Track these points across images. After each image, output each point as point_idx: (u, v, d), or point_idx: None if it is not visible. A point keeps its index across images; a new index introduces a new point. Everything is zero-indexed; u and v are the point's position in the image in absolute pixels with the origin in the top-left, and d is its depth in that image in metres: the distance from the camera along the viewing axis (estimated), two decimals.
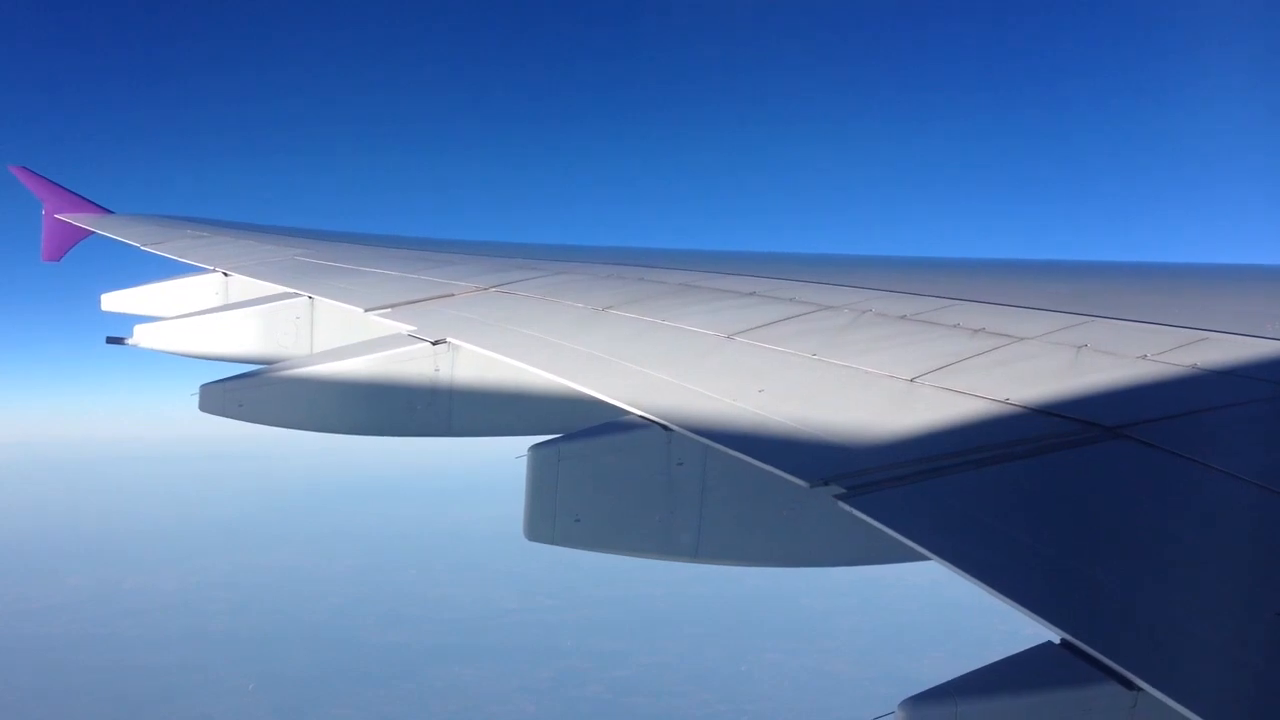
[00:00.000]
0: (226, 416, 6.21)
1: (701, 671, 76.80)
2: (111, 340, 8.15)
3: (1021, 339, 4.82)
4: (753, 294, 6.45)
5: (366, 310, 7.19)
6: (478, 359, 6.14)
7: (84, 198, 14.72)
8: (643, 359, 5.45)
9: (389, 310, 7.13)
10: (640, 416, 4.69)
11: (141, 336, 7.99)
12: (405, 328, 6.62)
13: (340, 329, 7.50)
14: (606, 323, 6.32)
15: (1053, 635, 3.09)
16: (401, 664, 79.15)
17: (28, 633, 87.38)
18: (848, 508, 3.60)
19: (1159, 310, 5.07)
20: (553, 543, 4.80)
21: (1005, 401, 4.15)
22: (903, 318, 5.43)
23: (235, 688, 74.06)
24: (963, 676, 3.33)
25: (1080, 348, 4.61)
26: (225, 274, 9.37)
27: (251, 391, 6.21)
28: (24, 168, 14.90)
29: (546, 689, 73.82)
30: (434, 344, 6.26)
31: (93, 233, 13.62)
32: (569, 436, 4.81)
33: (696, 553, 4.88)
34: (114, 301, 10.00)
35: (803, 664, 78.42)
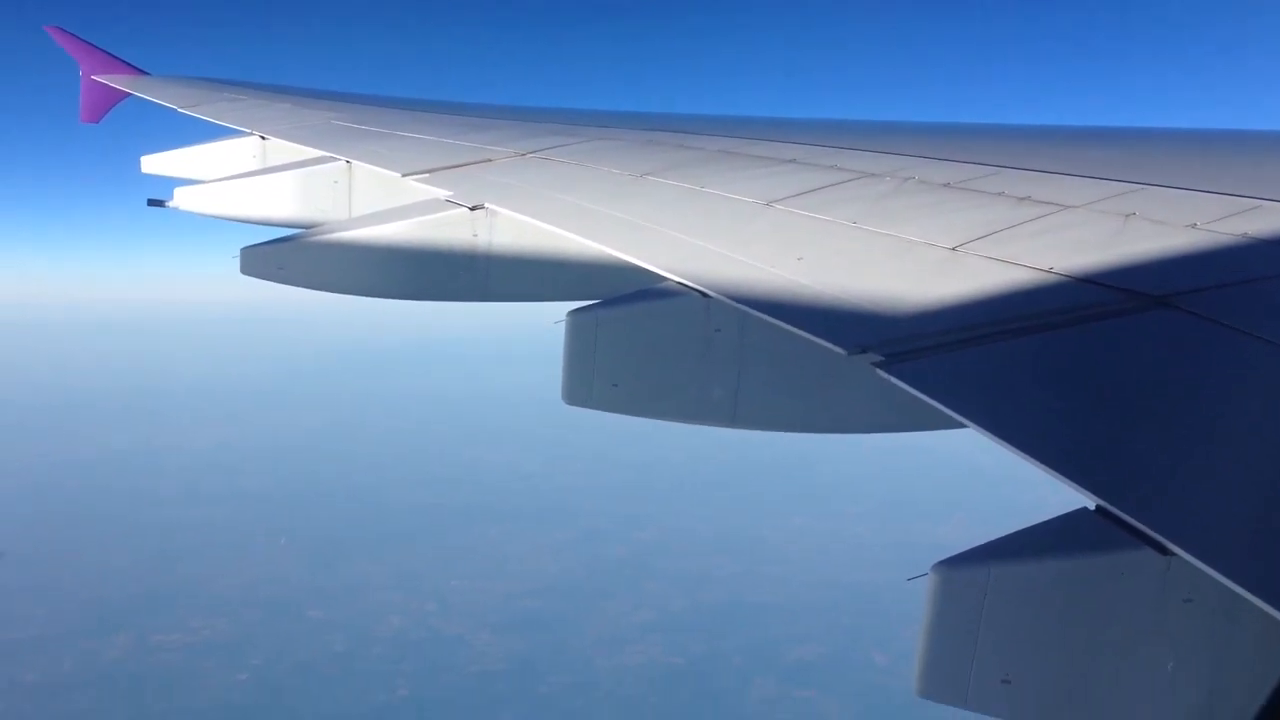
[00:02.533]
0: (268, 279, 6.25)
1: (723, 535, 78.08)
2: (153, 203, 8.18)
3: (1067, 207, 4.73)
4: (793, 161, 6.35)
5: (404, 175, 7.15)
6: (515, 224, 6.12)
7: (120, 59, 14.63)
8: (681, 226, 5.41)
9: (427, 175, 7.09)
10: (678, 283, 4.68)
11: (182, 199, 8.00)
12: (443, 193, 6.59)
13: (378, 193, 7.46)
14: (644, 189, 6.26)
15: (1088, 502, 3.12)
16: (428, 523, 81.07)
17: (68, 488, 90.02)
18: (885, 375, 3.60)
19: (1210, 178, 4.95)
20: (590, 407, 4.85)
21: (1049, 270, 4.10)
22: (946, 185, 5.34)
23: (268, 543, 76.36)
24: (996, 540, 3.37)
25: (1128, 216, 4.53)
26: (262, 137, 9.34)
27: (292, 255, 6.24)
28: (59, 28, 14.80)
29: (568, 548, 75.52)
30: (472, 209, 6.23)
31: (130, 95, 13.57)
32: (607, 302, 4.81)
33: (732, 419, 4.92)
34: (154, 164, 10.01)
35: (825, 528, 79.51)
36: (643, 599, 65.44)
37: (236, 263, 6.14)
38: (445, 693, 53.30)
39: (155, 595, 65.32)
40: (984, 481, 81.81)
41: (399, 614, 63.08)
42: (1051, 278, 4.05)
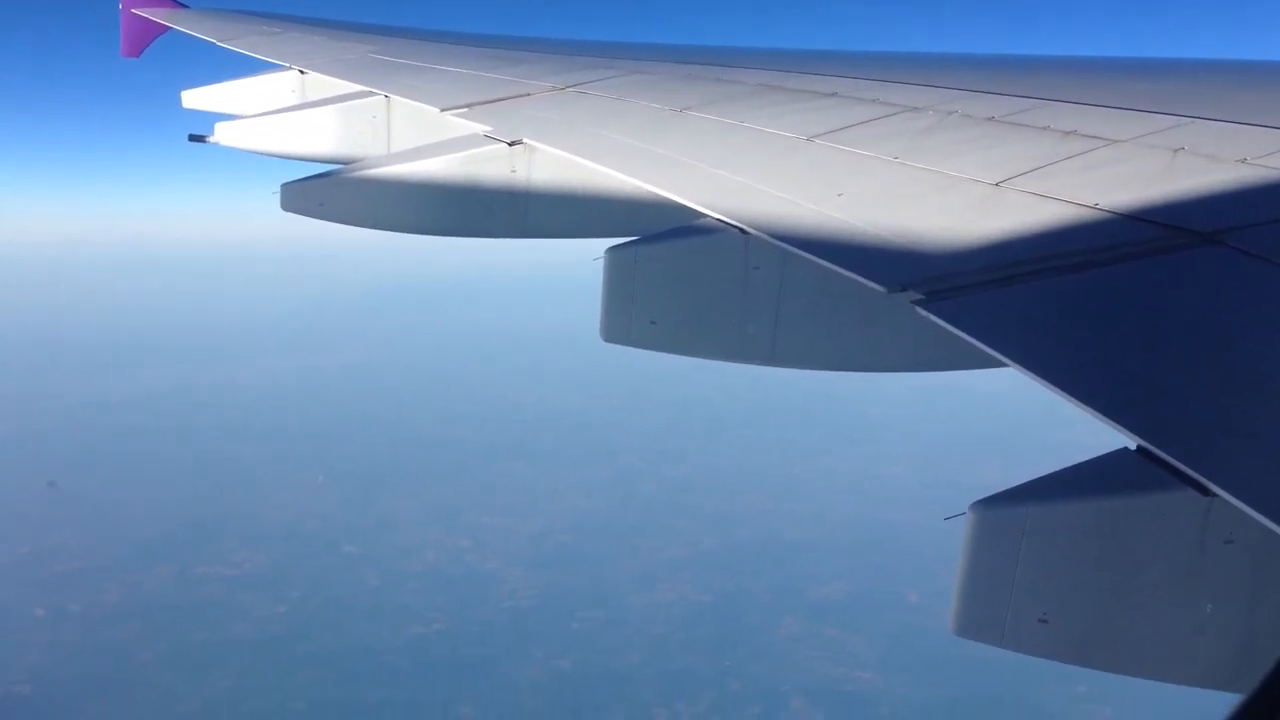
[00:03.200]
0: (308, 216, 6.27)
1: (754, 472, 78.34)
2: (194, 138, 8.20)
3: (1114, 141, 4.64)
4: (834, 95, 6.25)
5: (442, 110, 7.12)
6: (554, 160, 6.09)
7: None
8: (720, 161, 5.36)
9: (465, 110, 7.05)
10: (717, 220, 4.65)
11: (222, 134, 8.01)
12: (481, 128, 6.55)
13: (416, 128, 7.44)
14: (684, 124, 6.21)
15: (1129, 443, 3.10)
16: (464, 460, 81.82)
17: (112, 425, 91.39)
18: (925, 313, 3.57)
19: (1261, 111, 4.83)
20: (628, 344, 4.85)
21: (1095, 207, 4.04)
22: (990, 119, 5.25)
23: (307, 479, 77.42)
24: (1034, 480, 3.36)
25: (1176, 151, 4.44)
26: (301, 72, 9.32)
27: (331, 190, 6.25)
28: None
29: (601, 486, 76.06)
30: (510, 145, 6.21)
31: (169, 29, 13.55)
32: (646, 239, 4.79)
33: (770, 357, 4.90)
34: (194, 99, 10.04)
35: (856, 467, 79.57)
36: (673, 536, 65.96)
37: (277, 199, 6.16)
38: (478, 628, 54.12)
39: (197, 529, 66.54)
40: (1022, 422, 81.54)
41: (433, 549, 63.94)
42: (1097, 214, 3.98)
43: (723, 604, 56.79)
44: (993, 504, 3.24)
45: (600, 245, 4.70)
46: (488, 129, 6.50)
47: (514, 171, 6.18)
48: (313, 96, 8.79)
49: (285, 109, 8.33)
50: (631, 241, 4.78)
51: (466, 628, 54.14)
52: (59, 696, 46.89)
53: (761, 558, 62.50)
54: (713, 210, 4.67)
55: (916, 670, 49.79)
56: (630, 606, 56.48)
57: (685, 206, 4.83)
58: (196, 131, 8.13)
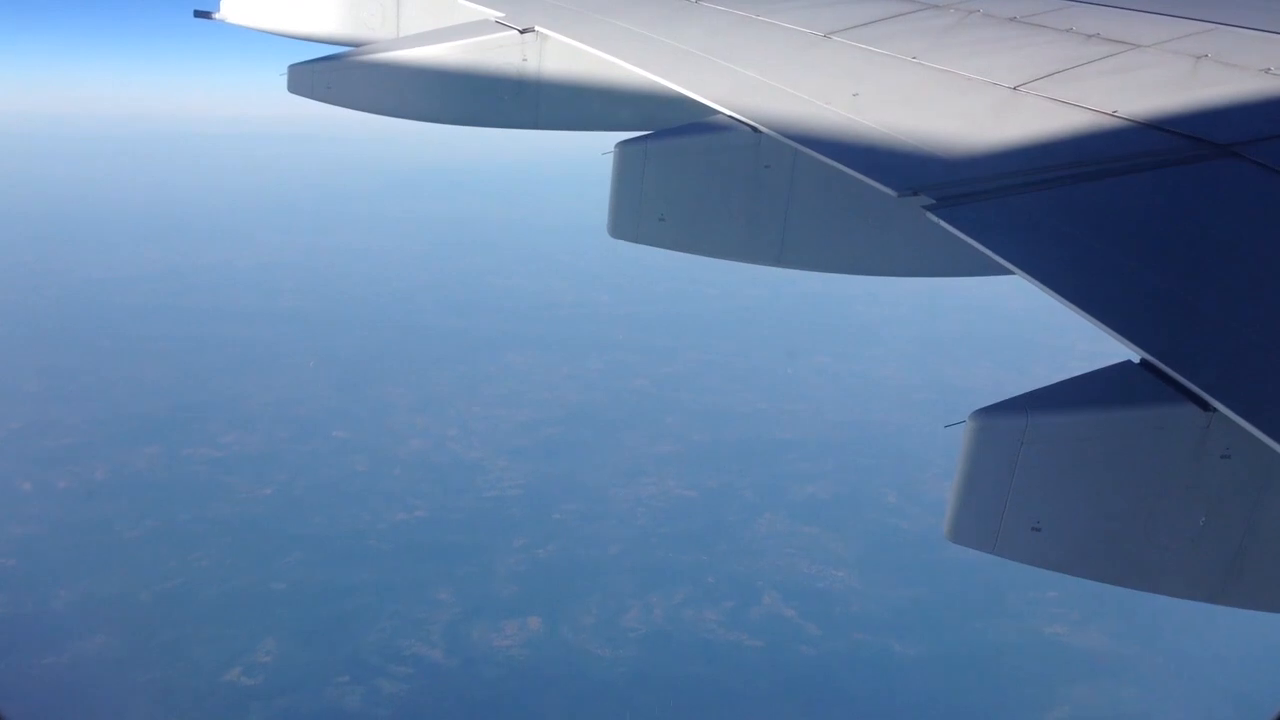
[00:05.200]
0: (314, 99, 6.17)
1: (748, 372, 78.39)
2: (199, 14, 7.99)
3: (1137, 46, 4.56)
4: None
5: None
6: (566, 50, 5.98)
7: None
8: (735, 56, 5.27)
9: None
10: (730, 117, 4.59)
11: (229, 11, 7.81)
12: (493, 14, 6.42)
13: (426, 12, 7.27)
14: (700, 16, 6.08)
15: (1131, 355, 3.11)
16: (456, 349, 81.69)
17: (105, 302, 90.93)
18: (935, 219, 3.55)
19: None
20: (636, 241, 4.82)
21: (1113, 114, 3.99)
22: (1012, 20, 5.15)
23: (298, 364, 77.42)
24: (1035, 391, 3.38)
25: (1199, 58, 4.37)
26: None
27: (338, 74, 6.14)
28: None
29: (593, 379, 76.14)
30: (522, 32, 6.09)
31: None
32: (657, 134, 4.73)
33: (778, 258, 4.89)
34: None
35: (850, 369, 79.71)
36: (662, 432, 66.36)
37: (284, 81, 6.04)
38: (460, 515, 54.70)
39: (187, 410, 66.73)
40: (1025, 331, 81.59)
41: (420, 437, 64.30)
42: (1115, 122, 3.93)
43: (706, 500, 57.38)
44: (993, 413, 3.26)
45: (611, 139, 4.64)
46: (499, 15, 6.37)
47: (525, 60, 6.07)
48: None
49: None
50: (642, 136, 4.72)
51: (449, 515, 54.73)
52: (43, 569, 47.47)
53: (748, 455, 62.99)
54: (725, 107, 4.61)
55: (890, 570, 50.60)
56: (613, 499, 57.09)
57: (698, 102, 4.76)
58: (202, 7, 7.92)
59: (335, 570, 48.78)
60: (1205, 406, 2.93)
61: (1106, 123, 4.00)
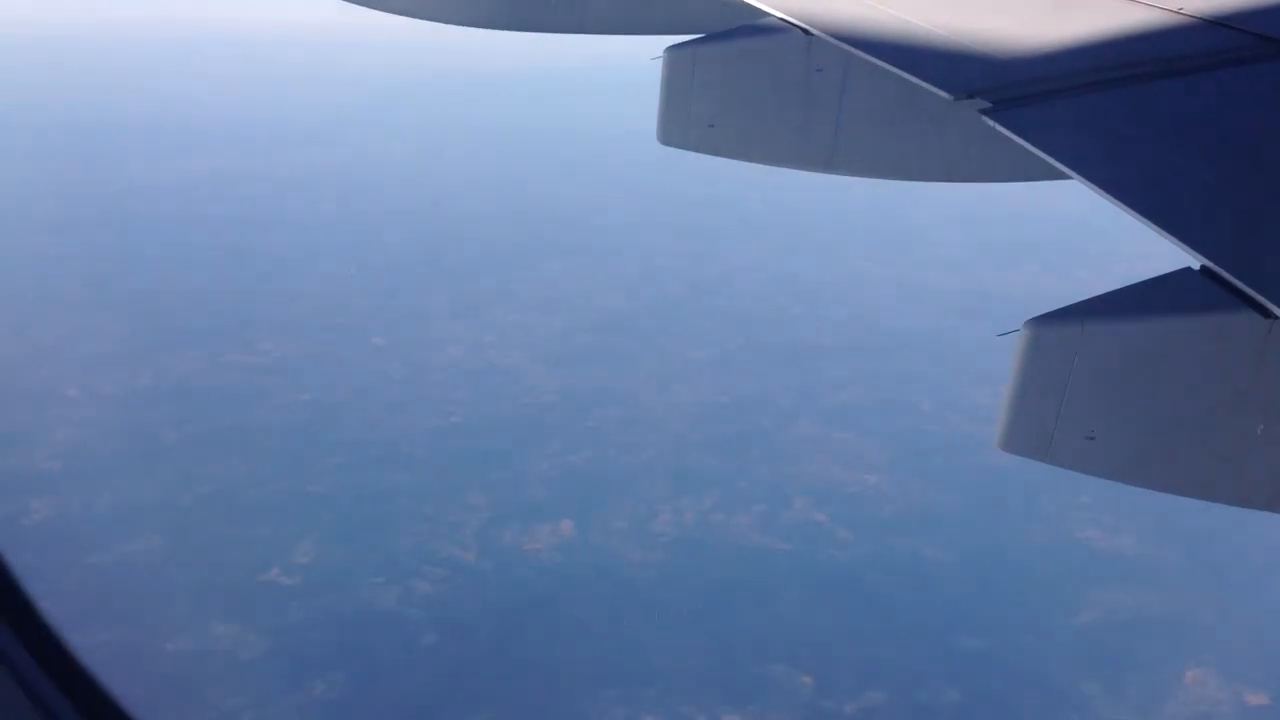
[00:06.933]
0: (362, 4, 6.08)
1: (786, 276, 77.80)
2: None
3: None
4: None
5: None
6: None
7: None
8: None
9: None
10: (780, 19, 4.49)
11: None
12: None
13: None
14: None
15: (1192, 261, 3.06)
16: (496, 257, 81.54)
17: (149, 213, 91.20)
18: (991, 122, 3.49)
19: None
20: (685, 148, 4.76)
21: (1178, 11, 3.86)
22: None
23: (338, 271, 77.62)
24: (1092, 299, 3.34)
25: None
26: None
27: None
28: None
29: (631, 286, 75.92)
30: None
31: None
32: (706, 38, 4.63)
33: (829, 164, 4.81)
34: None
35: (891, 273, 79.10)
36: (698, 337, 66.33)
37: None
38: (494, 422, 55.27)
39: (227, 317, 67.34)
40: (1071, 238, 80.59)
41: (457, 344, 64.65)
42: (1181, 19, 3.81)
43: (740, 406, 57.57)
44: (1048, 321, 3.24)
45: (660, 43, 4.55)
46: None
47: None
48: None
49: None
50: (691, 40, 4.63)
51: (484, 421, 55.30)
52: (87, 473, 48.54)
53: (784, 361, 62.98)
54: (776, 9, 4.50)
55: (922, 476, 50.84)
56: (648, 405, 57.41)
57: (748, 4, 4.65)
58: None
59: (371, 474, 49.59)
60: (1266, 314, 2.89)
61: (1171, 20, 3.88)
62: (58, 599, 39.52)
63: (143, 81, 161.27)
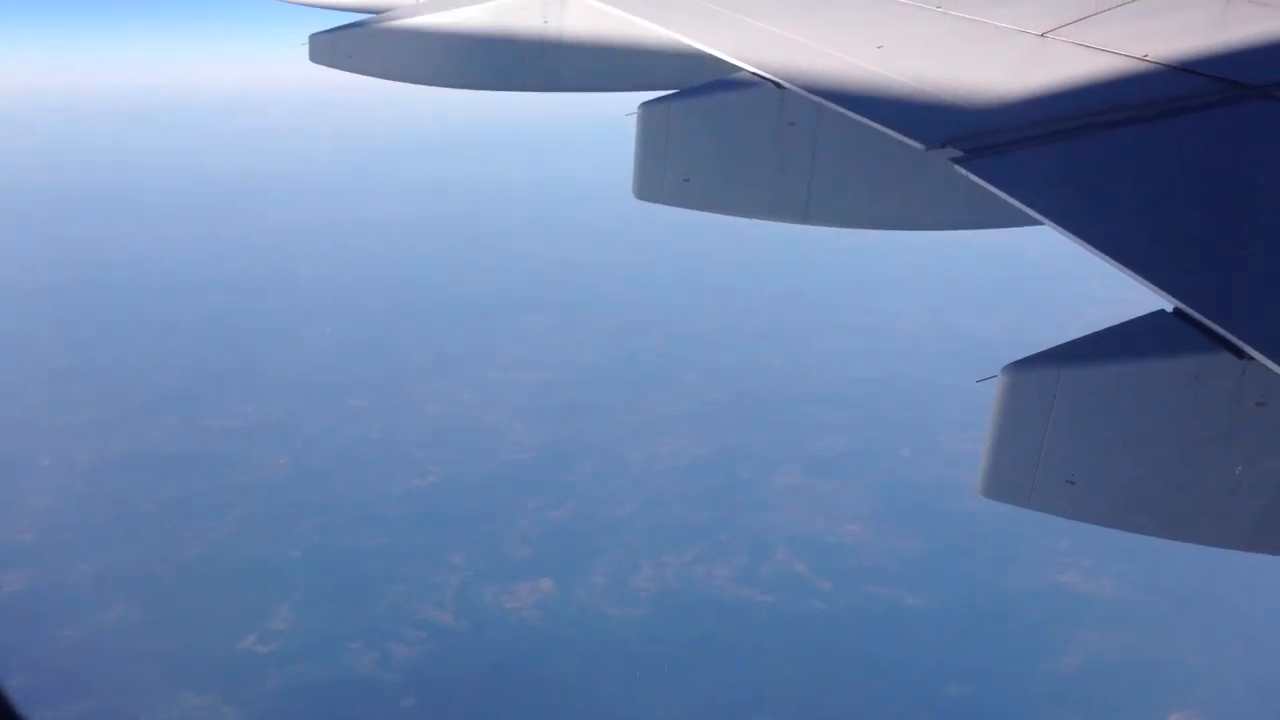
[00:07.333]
0: (336, 68, 6.12)
1: (766, 329, 78.26)
2: None
3: None
4: None
5: None
6: (588, 11, 5.92)
7: None
8: (756, 11, 5.22)
9: None
10: (753, 73, 4.55)
11: None
12: None
13: None
14: None
15: (1161, 304, 3.09)
16: (475, 312, 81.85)
17: (126, 275, 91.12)
18: (964, 171, 3.52)
19: None
20: (661, 202, 4.80)
21: (1143, 58, 3.93)
22: None
23: (316, 332, 77.80)
24: (1068, 343, 3.36)
25: None
26: None
27: (360, 42, 6.08)
28: None
29: (610, 340, 76.08)
30: None
31: None
32: (680, 94, 4.70)
33: (805, 215, 4.86)
34: None
35: (868, 322, 79.53)
36: (680, 390, 66.40)
37: (305, 50, 6.00)
38: (475, 479, 54.96)
39: (205, 381, 67.15)
40: (1056, 283, 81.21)
41: (436, 402, 64.48)
42: (1145, 65, 3.88)
43: (721, 457, 57.49)
44: (1026, 366, 3.26)
45: (634, 100, 4.60)
46: None
47: (546, 22, 6.01)
48: None
49: None
50: (665, 96, 4.69)
51: (464, 479, 54.96)
52: (62, 543, 47.90)
53: (764, 412, 63.03)
54: (748, 64, 4.57)
55: (902, 524, 50.73)
56: (629, 459, 57.23)
57: (721, 59, 4.72)
58: None
59: (350, 537, 49.13)
60: (1240, 354, 2.91)
61: (1137, 67, 3.95)
62: (32, 672, 38.85)
63: (110, 148, 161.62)
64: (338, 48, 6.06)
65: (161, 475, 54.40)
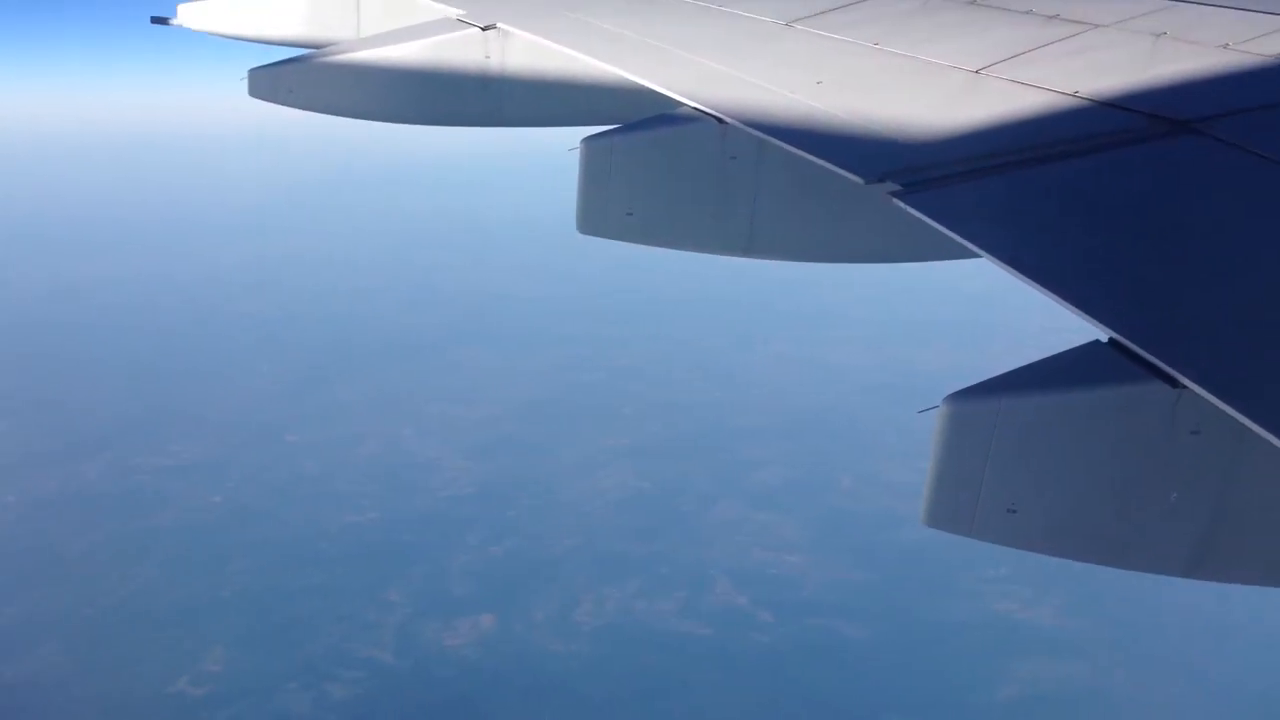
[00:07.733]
0: (276, 103, 6.09)
1: (705, 361, 78.52)
2: (156, 20, 7.81)
3: (1097, 26, 4.63)
4: None
5: None
6: (529, 46, 5.95)
7: None
8: (698, 47, 5.28)
9: None
10: (694, 109, 4.59)
11: (186, 16, 7.66)
12: (455, 12, 6.37)
13: (387, 12, 7.19)
14: (660, 7, 6.10)
15: (1100, 334, 3.15)
16: (414, 346, 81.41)
17: (56, 314, 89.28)
18: (902, 205, 3.58)
19: None
20: (604, 236, 4.82)
21: (1074, 95, 4.03)
22: (972, 3, 5.20)
23: (251, 369, 76.66)
24: (1007, 374, 3.41)
25: (1158, 36, 4.43)
26: None
27: (300, 77, 6.06)
28: None
29: (549, 374, 75.97)
30: (484, 29, 6.04)
31: None
32: (622, 129, 4.73)
33: (747, 249, 4.91)
34: None
35: (807, 354, 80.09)
36: (619, 424, 66.30)
37: (244, 85, 5.97)
38: (414, 515, 54.40)
39: (136, 419, 65.83)
40: (994, 314, 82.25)
41: (375, 438, 63.80)
42: (1076, 102, 3.98)
43: (661, 491, 57.44)
44: (966, 396, 3.29)
45: (576, 135, 4.63)
46: (461, 12, 6.32)
47: (488, 57, 6.03)
48: None
49: None
50: (608, 131, 4.72)
51: (402, 515, 54.38)
52: None
53: (704, 444, 63.12)
54: (690, 99, 4.61)
55: (843, 554, 50.96)
56: (568, 494, 56.99)
57: (662, 95, 4.76)
58: (159, 13, 7.75)
59: (284, 576, 48.31)
60: (1174, 383, 2.97)
61: (1068, 103, 4.05)
62: None
63: (45, 183, 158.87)
64: (278, 82, 6.03)
65: (92, 515, 53.24)
